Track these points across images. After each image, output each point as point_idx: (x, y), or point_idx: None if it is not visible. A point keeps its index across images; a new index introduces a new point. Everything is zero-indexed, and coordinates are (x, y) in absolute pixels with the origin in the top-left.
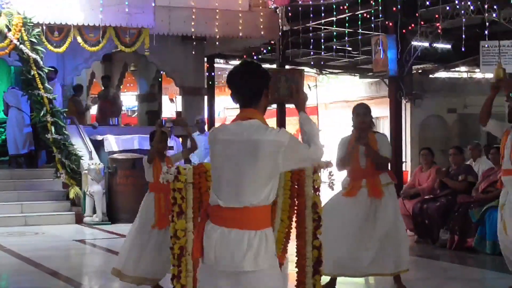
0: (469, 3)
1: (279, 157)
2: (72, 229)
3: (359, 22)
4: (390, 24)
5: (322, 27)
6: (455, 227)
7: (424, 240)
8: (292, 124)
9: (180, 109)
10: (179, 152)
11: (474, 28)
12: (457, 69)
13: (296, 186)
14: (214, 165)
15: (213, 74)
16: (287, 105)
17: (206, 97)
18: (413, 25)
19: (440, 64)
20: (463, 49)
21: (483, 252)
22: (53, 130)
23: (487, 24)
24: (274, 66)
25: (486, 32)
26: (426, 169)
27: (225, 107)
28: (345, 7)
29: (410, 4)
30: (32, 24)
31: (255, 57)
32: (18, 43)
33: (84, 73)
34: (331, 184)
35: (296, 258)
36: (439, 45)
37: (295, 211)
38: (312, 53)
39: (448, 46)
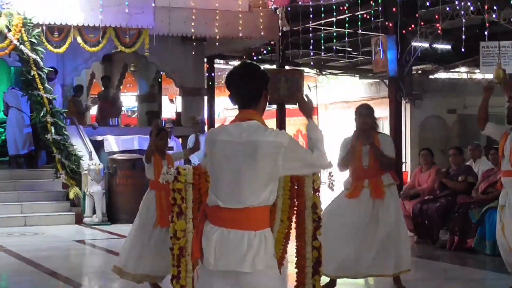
0: (469, 3)
1: (279, 158)
2: (72, 229)
3: (359, 23)
4: (390, 24)
5: (322, 28)
6: (455, 228)
7: (424, 240)
8: (292, 124)
9: (180, 109)
10: (180, 151)
11: (474, 28)
12: (457, 69)
13: (295, 187)
14: (212, 166)
15: (213, 74)
16: (287, 106)
17: (206, 98)
18: (413, 25)
19: (440, 65)
20: (463, 50)
21: (483, 252)
22: (53, 130)
23: (487, 24)
24: (274, 66)
25: (486, 32)
26: (426, 169)
27: (225, 107)
28: (345, 7)
29: (410, 5)
30: (32, 25)
31: (255, 58)
32: (18, 44)
33: (84, 74)
34: (331, 185)
35: (296, 258)
36: (439, 46)
37: (295, 212)
38: (312, 53)
39: (448, 47)
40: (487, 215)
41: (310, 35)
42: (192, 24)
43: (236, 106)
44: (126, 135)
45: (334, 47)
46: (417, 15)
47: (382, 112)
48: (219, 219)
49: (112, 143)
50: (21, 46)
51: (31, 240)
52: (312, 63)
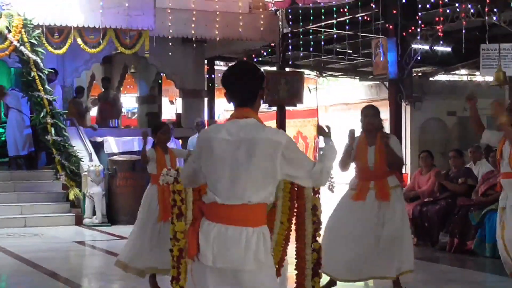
0: (469, 6)
1: (278, 157)
2: (72, 230)
3: (360, 25)
4: (391, 26)
5: (323, 30)
6: (455, 230)
7: (424, 243)
8: (292, 126)
9: (180, 111)
10: (184, 150)
11: (474, 31)
12: (457, 72)
13: (296, 189)
14: (209, 164)
15: (213, 76)
16: (287, 108)
17: (206, 99)
18: (413, 28)
19: (440, 67)
20: (463, 52)
21: (482, 255)
22: (53, 131)
23: (487, 27)
24: (274, 68)
25: (486, 35)
26: (426, 172)
27: (225, 109)
28: (346, 9)
29: (410, 7)
30: (32, 26)
31: (255, 60)
32: (18, 45)
33: (84, 75)
34: (331, 187)
35: (296, 260)
36: (439, 48)
37: (295, 214)
38: (312, 55)
39: (448, 49)
40: (487, 218)
41: (311, 37)
42: (193, 25)
43: (232, 105)
44: (126, 136)
45: (334, 49)
46: (417, 17)
47: (382, 114)
48: (216, 216)
49: (112, 144)
50: (21, 47)
51: (31, 241)
52: (312, 65)
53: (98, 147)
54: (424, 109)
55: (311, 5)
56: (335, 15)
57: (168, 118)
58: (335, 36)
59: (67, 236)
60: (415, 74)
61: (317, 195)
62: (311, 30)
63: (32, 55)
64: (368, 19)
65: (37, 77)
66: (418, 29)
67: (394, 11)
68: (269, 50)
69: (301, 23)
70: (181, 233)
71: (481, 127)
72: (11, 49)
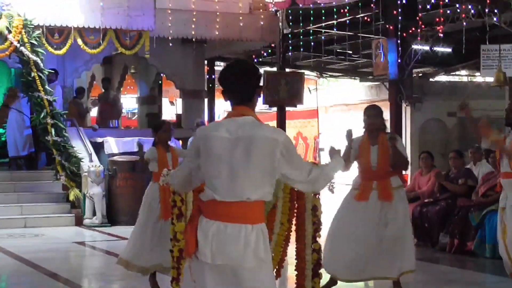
0: (469, 6)
1: (276, 155)
2: (72, 231)
3: (360, 26)
4: (391, 27)
5: (323, 30)
6: (455, 231)
7: (424, 243)
8: (292, 127)
9: (180, 111)
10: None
11: (474, 31)
12: (457, 72)
13: (296, 189)
14: (208, 162)
15: (213, 76)
16: (287, 108)
17: (206, 100)
18: (413, 28)
19: (440, 68)
20: (463, 53)
21: (482, 255)
22: (53, 132)
23: (487, 27)
24: (275, 69)
25: (486, 35)
26: (426, 172)
27: (225, 110)
28: (346, 10)
29: (410, 8)
30: (33, 26)
31: (255, 60)
32: (18, 45)
33: (85, 75)
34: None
35: (296, 261)
36: (440, 49)
37: (295, 214)
38: (312, 56)
39: (449, 50)
40: (487, 218)
41: (311, 37)
42: (193, 26)
43: (230, 103)
44: (126, 137)
45: (335, 50)
46: (417, 18)
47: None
48: (215, 214)
49: (112, 145)
50: (22, 48)
51: (31, 242)
52: (312, 66)
53: (98, 148)
54: (424, 110)
55: (311, 5)
56: (335, 16)
57: (168, 119)
58: (335, 36)
59: (67, 236)
60: (415, 75)
61: (317, 195)
62: (311, 31)
63: (32, 55)
64: (369, 19)
65: (37, 78)
66: (419, 30)
67: (395, 12)
68: (269, 50)
69: (301, 24)
70: (181, 233)
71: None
72: (11, 49)
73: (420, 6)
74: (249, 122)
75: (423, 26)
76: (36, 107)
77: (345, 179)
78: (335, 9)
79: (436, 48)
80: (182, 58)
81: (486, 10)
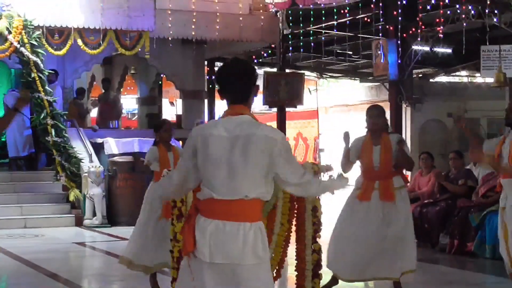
0: (469, 7)
1: (273, 153)
2: (72, 231)
3: (360, 26)
4: (391, 28)
5: (323, 31)
6: (455, 231)
7: (424, 244)
8: (292, 127)
9: (180, 112)
10: None
11: (474, 32)
12: (457, 73)
13: None
14: (205, 161)
15: (213, 77)
16: (287, 109)
17: (206, 101)
18: (413, 29)
19: (440, 68)
20: (463, 54)
21: (482, 256)
22: (53, 132)
23: (487, 28)
24: (275, 69)
25: (486, 36)
26: (426, 173)
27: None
28: (346, 11)
29: (410, 8)
30: (33, 27)
31: (255, 61)
32: (18, 46)
33: (85, 76)
34: None
35: (296, 261)
36: (440, 49)
37: (295, 215)
38: (312, 56)
39: (449, 51)
40: (487, 219)
41: (311, 38)
42: (193, 26)
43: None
44: (126, 137)
45: (335, 50)
46: (417, 19)
47: None
48: (213, 212)
49: (112, 145)
50: (22, 48)
51: (31, 242)
52: (312, 66)
53: (98, 148)
54: (424, 111)
55: (311, 6)
56: (335, 16)
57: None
58: (335, 37)
59: (67, 237)
60: (415, 76)
61: (317, 196)
62: (311, 31)
63: (32, 56)
64: (369, 20)
65: (37, 78)
66: (419, 31)
67: (395, 13)
68: (270, 51)
69: (301, 24)
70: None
71: (480, 141)
72: (12, 50)
73: (420, 7)
74: (247, 121)
75: (423, 27)
76: (36, 107)
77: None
78: (335, 10)
79: (436, 49)
80: (182, 59)
81: (486, 11)
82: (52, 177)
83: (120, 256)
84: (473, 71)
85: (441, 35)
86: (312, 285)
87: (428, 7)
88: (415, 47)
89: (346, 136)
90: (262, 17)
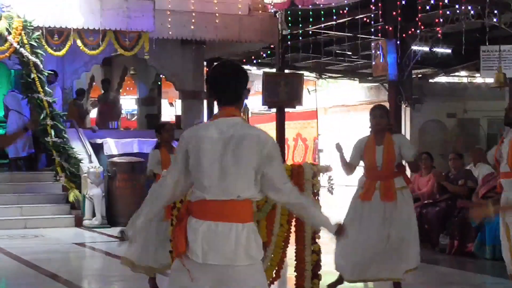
0: (469, 7)
1: (263, 153)
2: (72, 232)
3: (359, 27)
4: (390, 28)
5: (322, 31)
6: (455, 232)
7: (424, 244)
8: (292, 128)
9: (179, 113)
10: None
11: (474, 32)
12: (457, 73)
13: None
14: (196, 162)
15: None
16: (286, 109)
17: (205, 101)
18: (413, 29)
19: (440, 69)
20: (463, 54)
21: (482, 257)
22: (53, 133)
23: (487, 29)
24: (274, 70)
25: (486, 36)
26: (426, 173)
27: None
28: (345, 11)
29: (410, 9)
30: (32, 28)
31: (254, 61)
32: (18, 47)
33: (84, 77)
34: (330, 188)
35: (295, 262)
36: (439, 50)
37: (294, 216)
38: (311, 57)
39: (448, 51)
40: (487, 220)
41: (310, 38)
42: (192, 27)
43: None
44: (125, 138)
45: (334, 51)
46: (417, 19)
47: None
48: (205, 213)
49: (111, 146)
50: (21, 49)
51: (31, 243)
52: (311, 67)
53: (97, 149)
54: (423, 111)
55: (310, 6)
56: (334, 17)
57: (168, 120)
58: (334, 37)
59: (67, 237)
60: (414, 76)
61: (317, 196)
62: (310, 32)
63: (32, 57)
64: (368, 20)
65: (37, 79)
66: (418, 31)
67: (394, 13)
68: (269, 51)
69: (300, 25)
70: None
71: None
72: (11, 51)
73: (419, 7)
74: (239, 123)
75: (422, 27)
76: (36, 108)
77: (345, 181)
78: (334, 10)
79: (436, 49)
80: (182, 59)
81: (486, 11)
82: (51, 177)
83: (122, 257)
84: (472, 72)
85: (441, 36)
86: (312, 286)
87: (428, 8)
88: (414, 48)
89: (338, 146)
90: (261, 18)
